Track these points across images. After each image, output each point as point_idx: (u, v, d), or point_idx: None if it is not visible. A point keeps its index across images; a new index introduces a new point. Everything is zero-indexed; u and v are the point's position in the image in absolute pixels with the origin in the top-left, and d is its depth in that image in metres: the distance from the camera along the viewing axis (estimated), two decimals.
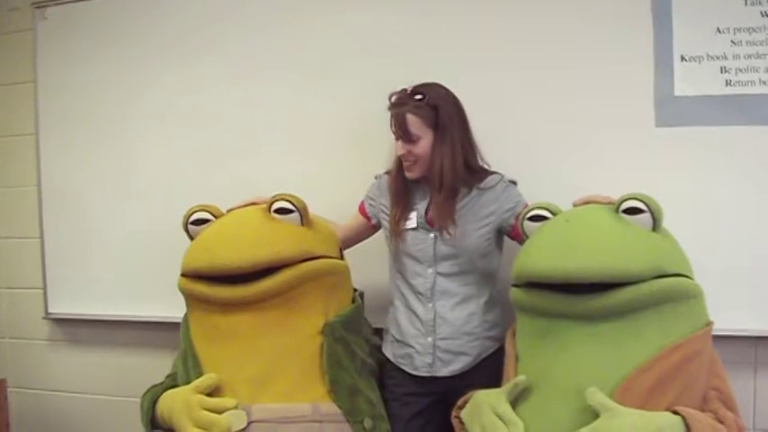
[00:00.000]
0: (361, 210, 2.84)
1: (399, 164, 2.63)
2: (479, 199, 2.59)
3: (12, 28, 3.69)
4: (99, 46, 3.47)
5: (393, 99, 2.55)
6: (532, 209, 2.39)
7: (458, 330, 2.60)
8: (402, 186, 2.65)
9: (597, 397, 1.96)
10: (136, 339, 3.53)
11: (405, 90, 2.55)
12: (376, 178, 2.81)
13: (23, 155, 3.65)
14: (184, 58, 3.34)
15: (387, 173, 2.74)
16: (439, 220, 2.55)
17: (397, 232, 2.63)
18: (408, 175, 2.59)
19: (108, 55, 3.45)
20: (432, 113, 2.52)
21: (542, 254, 2.19)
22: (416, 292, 2.64)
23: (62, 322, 3.69)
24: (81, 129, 3.52)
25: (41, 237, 3.62)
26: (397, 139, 2.56)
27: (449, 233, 2.55)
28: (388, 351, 2.76)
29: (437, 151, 2.54)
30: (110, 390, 3.61)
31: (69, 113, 3.54)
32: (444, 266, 2.60)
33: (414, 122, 2.51)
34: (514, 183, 2.64)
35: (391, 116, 2.55)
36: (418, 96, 2.53)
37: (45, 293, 3.64)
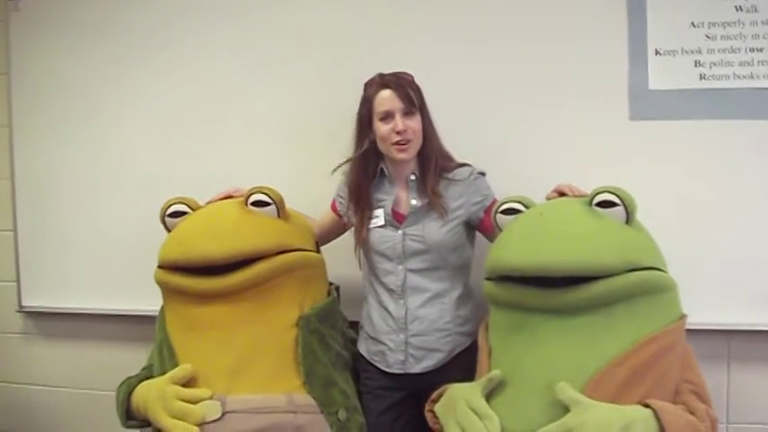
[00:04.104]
0: (333, 207, 2.83)
1: (362, 162, 2.62)
2: (447, 191, 2.58)
3: None
4: (73, 36, 3.44)
5: (387, 77, 2.55)
6: (506, 202, 2.39)
7: (430, 327, 2.59)
8: (366, 185, 2.63)
9: (567, 391, 1.97)
10: (111, 333, 3.51)
11: (387, 73, 2.57)
12: (344, 175, 2.77)
13: None
14: (160, 49, 3.32)
15: None
16: (437, 197, 2.55)
17: (360, 239, 2.64)
18: (402, 155, 2.53)
19: (82, 45, 3.42)
20: (418, 94, 2.56)
21: (516, 247, 2.20)
22: (388, 290, 2.64)
23: (36, 316, 3.66)
24: (55, 120, 3.49)
25: (15, 229, 3.59)
26: (386, 118, 2.51)
27: (445, 209, 2.55)
28: (362, 347, 2.76)
29: (429, 130, 2.58)
30: (85, 383, 3.58)
31: (43, 105, 3.51)
32: (414, 263, 2.59)
33: (412, 98, 2.52)
34: (483, 174, 2.64)
35: (384, 94, 2.52)
36: (409, 76, 2.57)
37: (19, 287, 3.60)
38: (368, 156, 2.61)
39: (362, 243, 2.64)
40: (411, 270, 2.59)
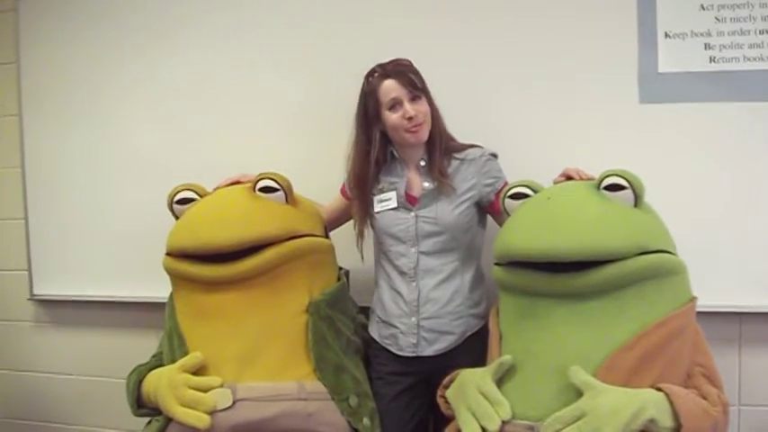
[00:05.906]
0: (343, 191, 2.82)
1: (370, 152, 2.61)
2: (458, 173, 2.59)
3: None
4: (81, 25, 3.44)
5: (387, 66, 2.55)
6: (514, 186, 2.39)
7: (442, 309, 2.58)
8: (373, 175, 2.63)
9: (580, 375, 1.97)
10: (121, 320, 3.52)
11: (385, 62, 2.58)
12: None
13: (7, 136, 3.62)
14: (166, 37, 3.32)
15: None
16: (444, 177, 2.56)
17: (361, 231, 2.68)
18: (416, 139, 2.54)
19: (90, 34, 3.42)
20: (420, 78, 2.56)
21: (524, 232, 2.20)
22: (401, 273, 2.63)
23: (47, 304, 3.67)
24: (64, 109, 3.49)
25: (26, 218, 3.59)
26: (394, 107, 2.52)
27: (453, 188, 2.55)
28: (374, 331, 2.75)
29: (434, 112, 2.58)
30: (95, 371, 3.60)
31: (52, 94, 3.51)
32: (427, 245, 2.59)
33: (415, 83, 2.52)
34: (495, 155, 2.64)
35: (387, 83, 2.52)
36: (407, 62, 2.57)
37: (30, 275, 3.61)
38: (376, 146, 2.60)
39: (362, 236, 2.68)
40: (424, 252, 2.59)
